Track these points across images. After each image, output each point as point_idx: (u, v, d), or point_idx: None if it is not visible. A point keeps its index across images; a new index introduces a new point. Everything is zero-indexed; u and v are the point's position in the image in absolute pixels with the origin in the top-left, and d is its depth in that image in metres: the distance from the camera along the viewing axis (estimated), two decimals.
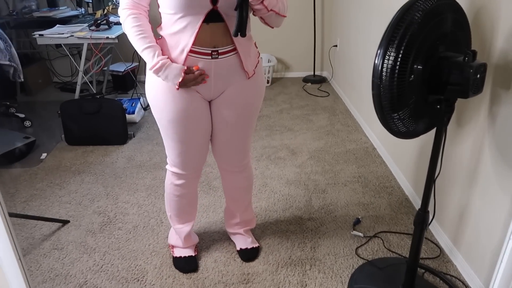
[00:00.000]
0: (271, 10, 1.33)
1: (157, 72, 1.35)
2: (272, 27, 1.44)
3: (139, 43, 1.34)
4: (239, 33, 1.29)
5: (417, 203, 2.19)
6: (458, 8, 1.36)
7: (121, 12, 1.35)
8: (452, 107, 1.34)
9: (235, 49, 1.41)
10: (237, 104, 1.51)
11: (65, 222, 2.09)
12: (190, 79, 1.37)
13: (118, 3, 1.41)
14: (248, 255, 1.84)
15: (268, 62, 4.11)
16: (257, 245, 1.89)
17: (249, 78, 1.49)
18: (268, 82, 4.12)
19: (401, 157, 2.40)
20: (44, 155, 2.79)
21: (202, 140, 1.55)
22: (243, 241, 1.88)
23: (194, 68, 1.37)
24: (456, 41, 1.36)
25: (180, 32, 1.34)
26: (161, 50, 1.38)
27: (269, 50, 4.25)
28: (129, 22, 1.33)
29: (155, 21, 1.34)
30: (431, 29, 1.27)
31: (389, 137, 2.56)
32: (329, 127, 3.18)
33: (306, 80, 4.24)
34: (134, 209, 2.21)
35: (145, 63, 1.39)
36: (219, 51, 1.38)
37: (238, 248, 1.88)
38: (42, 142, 2.98)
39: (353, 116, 3.36)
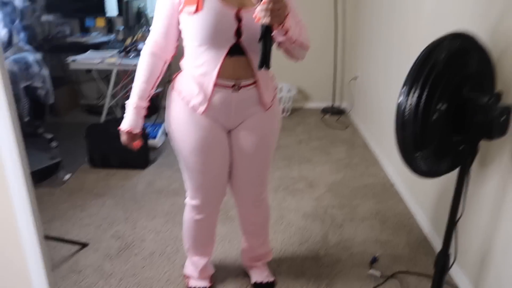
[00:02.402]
0: (295, 41, 1.34)
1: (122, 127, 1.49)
2: (297, 60, 1.45)
3: (136, 96, 1.46)
4: (264, 65, 1.24)
5: (436, 243, 2.13)
6: (483, 48, 1.37)
7: (144, 47, 1.44)
8: (476, 148, 1.34)
9: (255, 82, 1.44)
10: (255, 135, 1.53)
11: (84, 245, 2.12)
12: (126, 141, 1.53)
13: (148, 31, 1.49)
14: None
15: (288, 92, 4.15)
16: (272, 279, 1.87)
17: (266, 110, 1.51)
18: (288, 112, 4.16)
19: (420, 195, 2.36)
20: (67, 176, 2.86)
21: (221, 170, 1.57)
22: (259, 275, 1.86)
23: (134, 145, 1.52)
24: (481, 81, 1.37)
25: (204, 65, 1.37)
26: (180, 84, 1.45)
27: (288, 79, 4.30)
28: (144, 61, 1.43)
29: (179, 53, 1.39)
30: (456, 69, 1.28)
31: (409, 173, 2.52)
32: (347, 160, 3.16)
33: (324, 110, 4.26)
34: (151, 235, 2.22)
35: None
36: (241, 84, 1.41)
37: (253, 282, 1.85)
38: (67, 163, 3.05)
39: (372, 150, 3.34)
